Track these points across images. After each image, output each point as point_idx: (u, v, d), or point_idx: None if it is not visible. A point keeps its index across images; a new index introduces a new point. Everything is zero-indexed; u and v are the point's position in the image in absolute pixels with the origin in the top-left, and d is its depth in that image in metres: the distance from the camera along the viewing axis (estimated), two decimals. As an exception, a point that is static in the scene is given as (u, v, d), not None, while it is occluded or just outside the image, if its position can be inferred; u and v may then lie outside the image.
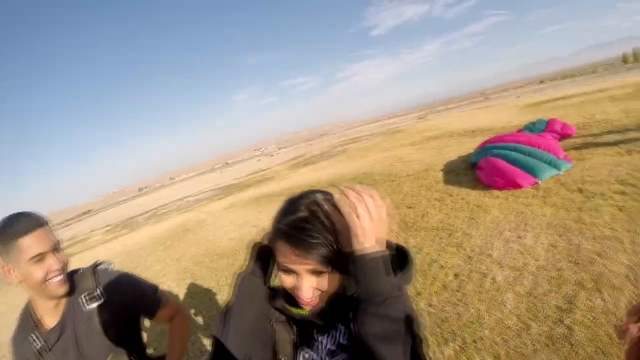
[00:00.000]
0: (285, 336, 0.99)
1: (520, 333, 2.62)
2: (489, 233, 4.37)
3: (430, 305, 3.26)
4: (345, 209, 0.81)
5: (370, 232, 0.77)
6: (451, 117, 25.40)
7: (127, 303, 1.39)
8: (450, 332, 2.85)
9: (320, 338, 0.98)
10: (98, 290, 1.34)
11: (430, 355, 2.65)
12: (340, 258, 0.82)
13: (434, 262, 4.03)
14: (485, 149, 7.60)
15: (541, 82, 66.82)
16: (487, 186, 6.02)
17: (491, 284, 3.34)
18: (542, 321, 2.67)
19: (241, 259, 6.00)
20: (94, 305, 1.32)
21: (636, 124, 7.19)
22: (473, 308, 3.06)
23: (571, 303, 2.77)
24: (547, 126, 8.24)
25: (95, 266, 1.42)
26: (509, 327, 2.72)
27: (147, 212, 23.49)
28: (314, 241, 0.81)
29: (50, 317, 1.31)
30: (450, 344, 2.72)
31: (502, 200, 5.31)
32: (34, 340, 1.27)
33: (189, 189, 31.12)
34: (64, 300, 1.32)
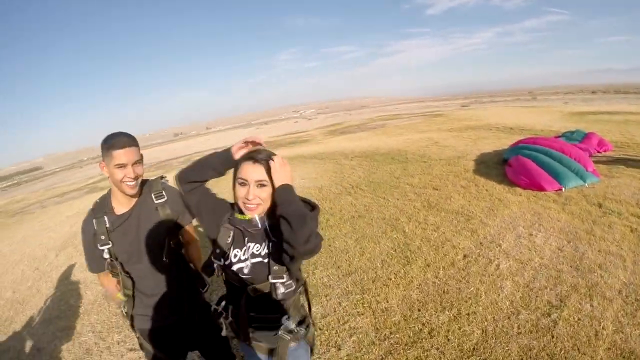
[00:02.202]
0: (224, 236, 1.56)
1: (510, 316, 2.97)
2: (504, 225, 4.65)
3: (436, 277, 3.63)
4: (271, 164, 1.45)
5: (284, 176, 1.42)
6: (494, 110, 24.72)
7: (178, 206, 1.88)
8: (448, 302, 3.22)
9: (249, 244, 1.53)
10: (164, 192, 1.88)
11: (427, 318, 3.05)
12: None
13: (448, 241, 4.37)
14: (517, 148, 7.68)
15: (593, 92, 63.78)
16: (512, 183, 6.20)
17: (494, 269, 3.67)
18: (532, 311, 3.01)
19: None
20: (161, 201, 1.86)
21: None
22: (473, 287, 3.41)
23: (562, 302, 3.08)
24: (584, 138, 8.15)
25: (161, 177, 1.98)
26: (501, 309, 3.07)
27: (181, 157, 24.05)
28: (263, 157, 1.46)
29: (122, 207, 1.81)
30: (447, 312, 3.10)
31: (524, 198, 5.53)
32: (105, 221, 1.77)
33: (224, 140, 31.39)
34: (135, 199, 1.83)
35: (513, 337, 2.74)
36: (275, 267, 1.46)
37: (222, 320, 1.64)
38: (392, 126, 20.57)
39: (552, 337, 2.70)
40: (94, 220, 1.76)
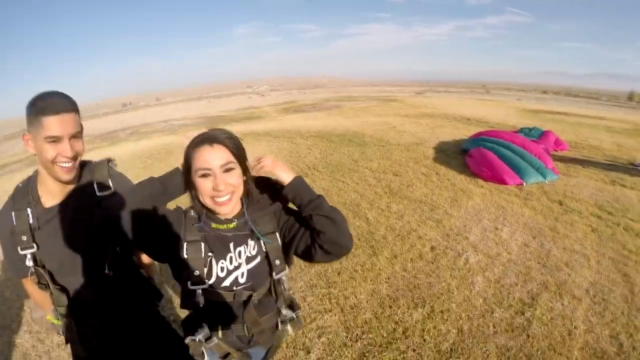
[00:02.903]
0: (194, 253, 1.23)
1: (485, 314, 2.85)
2: (469, 217, 4.58)
3: (404, 270, 3.45)
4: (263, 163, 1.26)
5: (284, 166, 1.25)
6: (450, 100, 25.26)
7: None
8: (420, 299, 3.05)
9: (238, 249, 1.27)
10: (110, 182, 1.43)
11: (400, 316, 2.85)
12: (241, 159, 1.18)
13: (413, 231, 4.22)
14: (479, 140, 7.74)
15: (544, 92, 67.21)
16: (474, 174, 6.21)
17: (464, 263, 3.56)
18: (505, 309, 2.91)
19: None
20: (105, 193, 1.40)
21: (626, 159, 7.42)
22: (444, 282, 3.27)
23: (534, 299, 3.02)
24: (541, 135, 8.37)
25: (108, 161, 1.50)
26: (475, 306, 2.95)
27: (128, 128, 22.68)
28: (223, 136, 1.15)
29: (51, 198, 1.35)
30: (420, 309, 2.92)
31: (486, 191, 5.52)
32: (28, 216, 1.31)
33: (174, 113, 30.07)
34: (70, 186, 1.38)
35: (490, 336, 2.62)
36: (277, 262, 1.28)
37: (203, 349, 1.31)
38: (347, 108, 20.26)
39: (528, 336, 2.62)
40: (13, 214, 1.31)
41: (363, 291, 3.17)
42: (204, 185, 1.14)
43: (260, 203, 1.30)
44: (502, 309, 2.91)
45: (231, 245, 1.27)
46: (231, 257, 1.26)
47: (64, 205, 1.36)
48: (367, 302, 3.03)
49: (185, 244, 1.23)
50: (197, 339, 1.29)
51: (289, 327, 1.40)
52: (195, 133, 1.22)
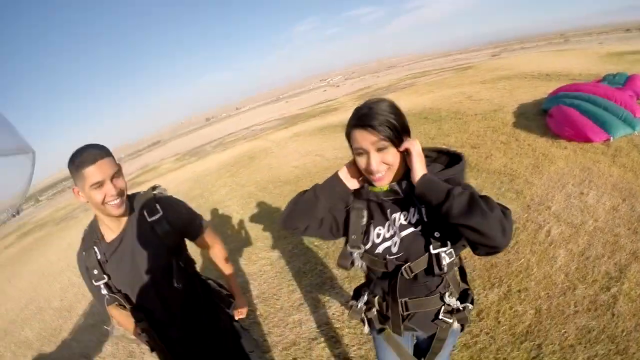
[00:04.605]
0: (356, 219, 1.35)
1: (566, 292, 2.80)
2: (552, 184, 4.36)
3: (482, 248, 3.46)
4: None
5: (422, 166, 1.17)
6: (527, 56, 22.84)
7: (179, 220, 1.66)
8: (497, 278, 3.08)
9: (393, 216, 1.30)
10: (158, 206, 1.61)
11: (475, 297, 2.90)
12: (397, 137, 1.18)
13: (492, 205, 4.13)
14: (558, 97, 7.07)
15: (627, 30, 58.26)
16: (556, 135, 5.78)
17: (545, 237, 3.46)
18: (589, 285, 2.82)
19: (304, 186, 6.36)
20: (156, 217, 1.59)
21: None
22: (523, 258, 3.24)
23: (621, 272, 2.86)
24: (627, 81, 7.31)
25: (153, 188, 1.70)
26: (555, 283, 2.90)
27: (214, 140, 24.24)
28: (374, 122, 1.14)
29: (111, 232, 1.58)
30: (496, 289, 2.96)
31: (570, 152, 5.15)
32: (96, 252, 1.56)
33: (254, 119, 31.30)
34: (125, 218, 1.58)
35: (570, 317, 2.58)
36: (437, 234, 1.21)
37: (363, 316, 1.48)
38: (421, 84, 19.51)
39: (613, 315, 2.51)
40: (83, 254, 1.57)
41: (438, 273, 3.25)
42: (360, 162, 1.22)
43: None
44: (585, 284, 2.83)
45: (388, 211, 1.31)
46: (389, 225, 1.31)
47: (123, 236, 1.58)
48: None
49: (351, 211, 1.36)
50: (358, 306, 1.47)
51: (453, 320, 1.37)
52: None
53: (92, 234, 1.59)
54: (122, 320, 1.74)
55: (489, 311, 2.76)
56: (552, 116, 6.26)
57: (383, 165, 1.20)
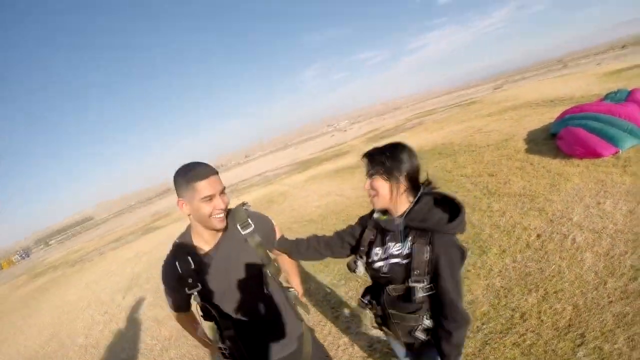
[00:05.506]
0: (367, 236, 1.69)
1: (598, 287, 3.07)
2: (570, 199, 4.69)
3: (514, 262, 3.76)
4: None
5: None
6: (528, 86, 23.78)
7: (267, 231, 1.81)
8: (533, 284, 3.35)
9: (389, 243, 1.57)
10: (250, 220, 1.72)
11: (516, 303, 3.19)
12: (388, 172, 1.51)
13: (517, 224, 4.47)
14: (565, 120, 7.55)
15: (623, 46, 60.06)
16: (567, 155, 6.15)
17: (571, 244, 3.76)
18: (618, 278, 3.09)
19: (330, 224, 6.77)
20: (248, 230, 1.69)
21: None
22: (554, 264, 3.52)
23: (646, 264, 3.15)
24: (629, 96, 7.76)
25: (243, 204, 1.82)
26: (587, 281, 3.17)
27: (227, 187, 25.18)
28: (370, 158, 1.57)
29: (205, 244, 1.64)
30: (534, 293, 3.23)
31: (583, 168, 5.51)
32: (190, 262, 1.58)
33: (266, 165, 32.26)
34: (220, 233, 1.66)
35: (605, 306, 2.84)
36: (417, 271, 1.42)
37: (367, 311, 1.80)
38: (430, 122, 20.31)
39: (645, 299, 2.79)
40: (177, 263, 1.58)
41: (477, 287, 3.55)
42: (366, 184, 1.60)
43: (425, 215, 1.49)
44: (614, 278, 3.10)
45: (387, 238, 1.58)
46: (385, 249, 1.57)
47: (218, 248, 1.63)
48: (482, 296, 3.42)
49: (366, 230, 1.71)
50: (364, 301, 1.81)
51: (422, 337, 1.57)
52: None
53: (185, 245, 1.64)
54: (187, 325, 1.91)
55: (531, 313, 3.02)
56: (562, 138, 6.68)
57: (371, 191, 1.58)
